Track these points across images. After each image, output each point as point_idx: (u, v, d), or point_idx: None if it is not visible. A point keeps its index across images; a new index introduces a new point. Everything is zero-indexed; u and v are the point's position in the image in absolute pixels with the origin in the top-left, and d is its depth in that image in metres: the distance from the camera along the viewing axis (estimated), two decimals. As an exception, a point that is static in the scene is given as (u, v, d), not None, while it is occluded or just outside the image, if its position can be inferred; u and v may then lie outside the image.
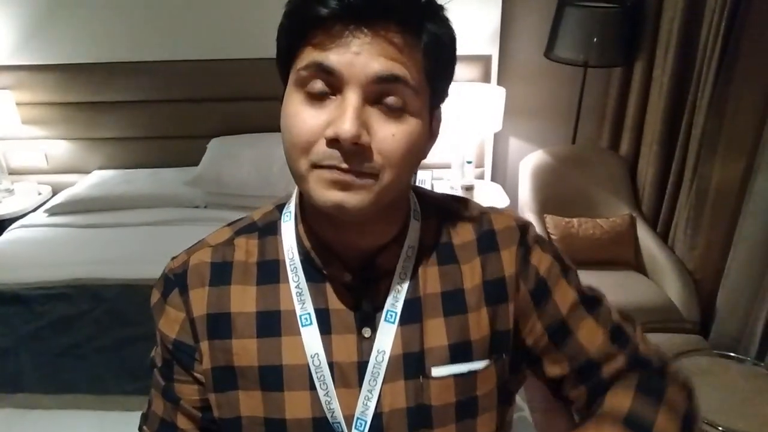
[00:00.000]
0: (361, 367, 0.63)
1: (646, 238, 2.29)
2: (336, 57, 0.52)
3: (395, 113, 0.54)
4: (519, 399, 1.96)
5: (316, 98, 0.54)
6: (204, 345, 0.65)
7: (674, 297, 2.06)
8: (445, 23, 0.57)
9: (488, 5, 2.50)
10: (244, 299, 0.65)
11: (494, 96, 2.42)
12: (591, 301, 0.70)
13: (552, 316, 0.68)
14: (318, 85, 0.53)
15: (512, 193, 2.65)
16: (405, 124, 0.55)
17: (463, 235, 0.69)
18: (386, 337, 0.64)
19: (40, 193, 2.76)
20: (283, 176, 2.38)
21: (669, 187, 2.24)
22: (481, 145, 2.74)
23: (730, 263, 1.93)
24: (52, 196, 2.70)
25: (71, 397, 1.44)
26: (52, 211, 2.48)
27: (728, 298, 1.95)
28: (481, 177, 2.78)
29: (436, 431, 0.65)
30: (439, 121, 0.63)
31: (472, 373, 0.65)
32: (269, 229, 0.69)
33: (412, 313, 0.65)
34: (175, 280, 0.67)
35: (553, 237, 2.32)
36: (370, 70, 0.52)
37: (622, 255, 2.31)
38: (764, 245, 1.79)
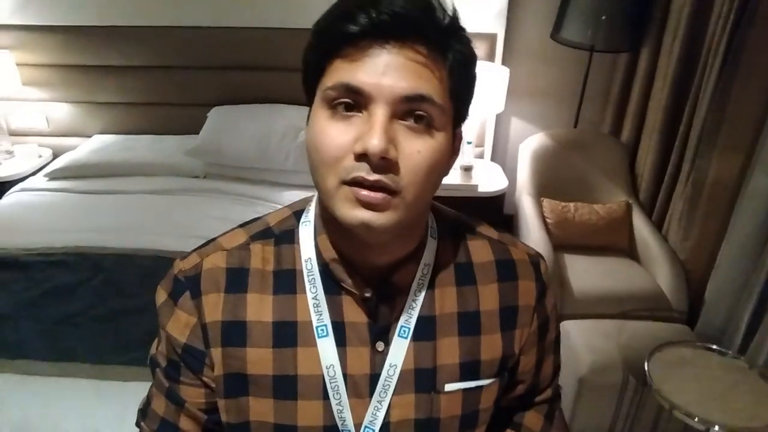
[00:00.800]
0: (373, 379, 0.65)
1: (641, 226, 2.31)
2: (363, 76, 0.52)
3: (421, 130, 0.55)
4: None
5: (344, 115, 0.55)
6: (216, 352, 0.65)
7: (664, 286, 2.09)
8: (467, 43, 0.58)
9: (496, -18, 2.46)
10: (261, 308, 0.65)
11: (498, 75, 2.40)
12: (558, 338, 0.79)
13: (543, 349, 0.76)
14: (346, 102, 0.54)
15: (511, 174, 2.66)
16: (431, 140, 0.55)
17: (481, 254, 0.71)
18: (398, 352, 0.65)
19: (40, 156, 2.76)
20: (280, 150, 2.39)
21: (666, 177, 2.24)
22: (482, 125, 2.73)
23: (721, 256, 1.96)
24: (53, 159, 2.71)
25: (70, 365, 1.48)
26: (53, 176, 2.49)
27: (717, 291, 1.98)
28: (480, 157, 2.78)
29: None
30: (460, 139, 0.64)
31: (479, 388, 0.69)
32: (286, 236, 0.68)
33: (425, 331, 0.66)
34: (187, 283, 0.66)
35: (548, 221, 2.33)
36: (398, 89, 0.52)
37: (617, 242, 2.33)
38: (756, 241, 1.81)
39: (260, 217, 0.72)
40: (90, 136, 2.79)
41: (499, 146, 2.88)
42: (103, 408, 1.38)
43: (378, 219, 0.55)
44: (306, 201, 0.71)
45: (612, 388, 1.82)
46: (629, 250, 2.33)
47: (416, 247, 0.66)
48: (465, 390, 0.68)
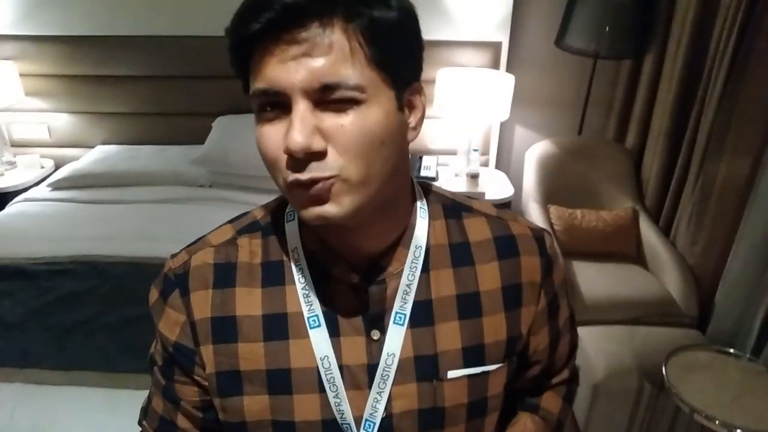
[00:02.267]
0: (371, 369, 0.63)
1: (648, 231, 2.31)
2: (273, 77, 0.51)
3: (344, 109, 0.52)
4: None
5: (271, 117, 0.54)
6: (206, 349, 0.64)
7: (674, 291, 2.08)
8: (379, 5, 0.53)
9: (500, -9, 2.48)
10: (249, 302, 0.64)
11: (503, 83, 2.41)
12: (573, 316, 0.77)
13: (555, 329, 0.74)
14: (272, 105, 0.54)
15: (516, 182, 2.66)
16: (357, 113, 0.52)
17: (478, 232, 0.68)
18: (396, 340, 0.63)
19: (42, 167, 2.74)
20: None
21: (673, 182, 2.24)
22: (486, 132, 2.74)
23: (731, 260, 1.95)
24: (55, 170, 2.69)
25: (80, 373, 1.45)
26: (56, 186, 2.47)
27: (727, 295, 1.98)
28: (485, 165, 2.78)
29: (447, 431, 0.66)
30: (419, 94, 0.60)
31: (485, 374, 0.66)
32: (272, 228, 0.68)
33: (423, 316, 0.64)
34: (176, 281, 0.65)
35: (556, 228, 2.33)
36: (305, 82, 0.51)
37: (624, 248, 2.33)
38: (766, 244, 1.81)
39: (248, 211, 0.72)
40: (92, 147, 2.78)
41: (504, 154, 2.88)
42: (114, 416, 1.35)
43: (331, 210, 0.54)
44: None
45: (627, 394, 1.81)
46: (637, 257, 2.33)
47: (405, 230, 0.65)
48: (470, 376, 0.65)
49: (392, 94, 0.55)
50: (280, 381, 0.63)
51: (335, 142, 0.52)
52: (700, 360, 1.67)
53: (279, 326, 0.63)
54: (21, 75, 2.64)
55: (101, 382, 1.44)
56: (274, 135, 0.54)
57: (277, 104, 0.53)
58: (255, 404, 0.63)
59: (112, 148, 2.73)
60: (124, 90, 2.70)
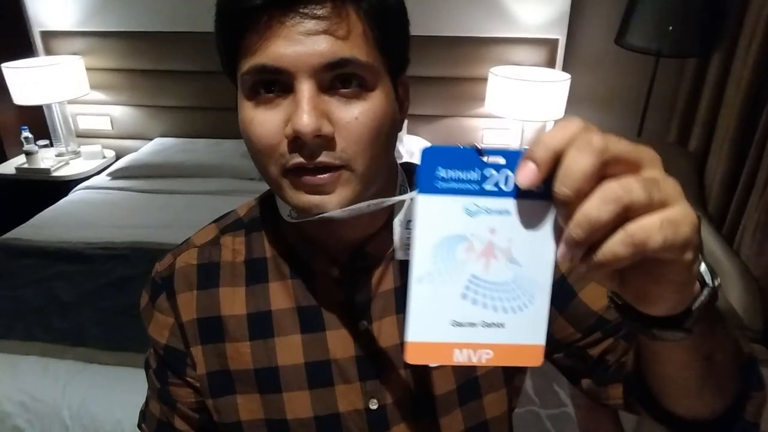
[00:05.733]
0: (360, 360, 0.61)
1: (710, 239, 2.18)
2: (277, 54, 0.47)
3: (355, 94, 0.50)
4: (563, 395, 1.93)
5: (268, 98, 0.50)
6: (196, 350, 0.63)
7: (736, 303, 1.96)
8: None
9: (558, -13, 2.41)
10: (233, 301, 0.63)
11: (558, 82, 2.34)
12: None
13: (566, 285, 0.63)
14: (267, 81, 0.50)
15: (569, 183, 2.58)
16: (367, 102, 0.50)
17: None
18: (383, 329, 0.62)
19: (104, 157, 2.86)
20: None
21: (739, 188, 2.12)
22: (540, 132, 2.67)
23: (801, 272, 1.82)
24: (116, 160, 2.80)
25: (127, 354, 1.50)
26: (115, 175, 2.57)
27: (796, 309, 1.85)
28: (537, 165, 2.71)
29: (442, 419, 0.63)
30: (406, 86, 0.59)
31: None
32: (255, 225, 0.66)
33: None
34: (162, 284, 0.65)
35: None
36: (316, 57, 0.47)
37: (683, 255, 2.22)
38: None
39: (233, 210, 0.70)
40: (151, 139, 2.88)
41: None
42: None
43: (331, 200, 0.51)
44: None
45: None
46: (697, 265, 2.21)
47: (389, 217, 0.61)
48: None
49: (389, 81, 0.54)
50: (268, 379, 0.62)
51: (347, 133, 0.50)
52: (764, 376, 1.56)
53: (264, 324, 0.62)
54: (87, 69, 2.77)
55: (146, 364, 1.48)
56: (272, 119, 0.50)
57: (274, 84, 0.50)
58: (248, 403, 0.62)
59: (169, 141, 2.82)
60: (181, 84, 2.79)
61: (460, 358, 0.36)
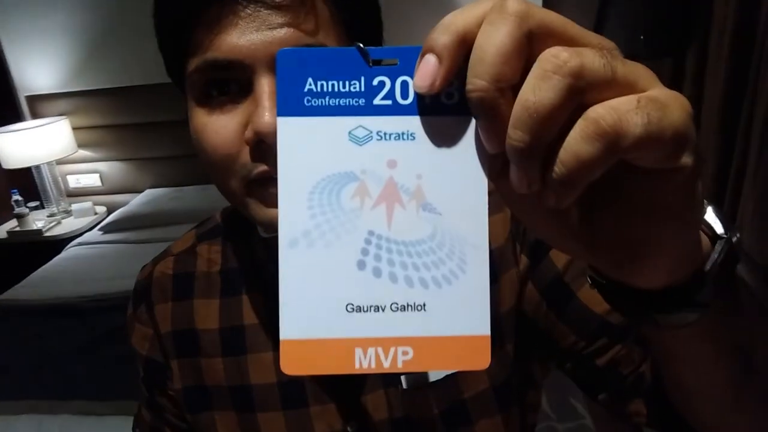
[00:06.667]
0: (334, 381, 0.56)
1: (708, 234, 2.16)
2: (230, 45, 0.41)
3: None
4: (580, 407, 1.87)
5: (221, 101, 0.44)
6: (174, 363, 0.61)
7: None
8: None
9: None
10: (207, 314, 0.60)
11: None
12: (584, 270, 0.57)
13: (547, 274, 0.55)
14: (220, 87, 0.44)
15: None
16: None
17: None
18: None
19: (96, 213, 2.86)
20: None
21: (731, 180, 2.11)
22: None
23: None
24: (107, 215, 2.79)
25: (123, 403, 1.46)
26: (107, 229, 2.57)
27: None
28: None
29: None
30: None
31: (448, 377, 0.55)
32: (232, 232, 0.62)
33: None
34: (142, 293, 0.63)
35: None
36: (276, 47, 0.41)
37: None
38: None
39: (215, 213, 0.67)
40: (142, 191, 2.89)
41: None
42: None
43: None
44: None
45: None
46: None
47: None
48: (432, 383, 0.55)
49: None
50: (242, 398, 0.58)
51: None
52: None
53: (236, 340, 0.58)
54: (74, 128, 2.79)
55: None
56: (228, 124, 0.43)
57: (228, 85, 0.44)
58: (225, 420, 0.59)
59: (159, 191, 2.83)
60: (167, 134, 2.81)
61: (364, 362, 0.24)
